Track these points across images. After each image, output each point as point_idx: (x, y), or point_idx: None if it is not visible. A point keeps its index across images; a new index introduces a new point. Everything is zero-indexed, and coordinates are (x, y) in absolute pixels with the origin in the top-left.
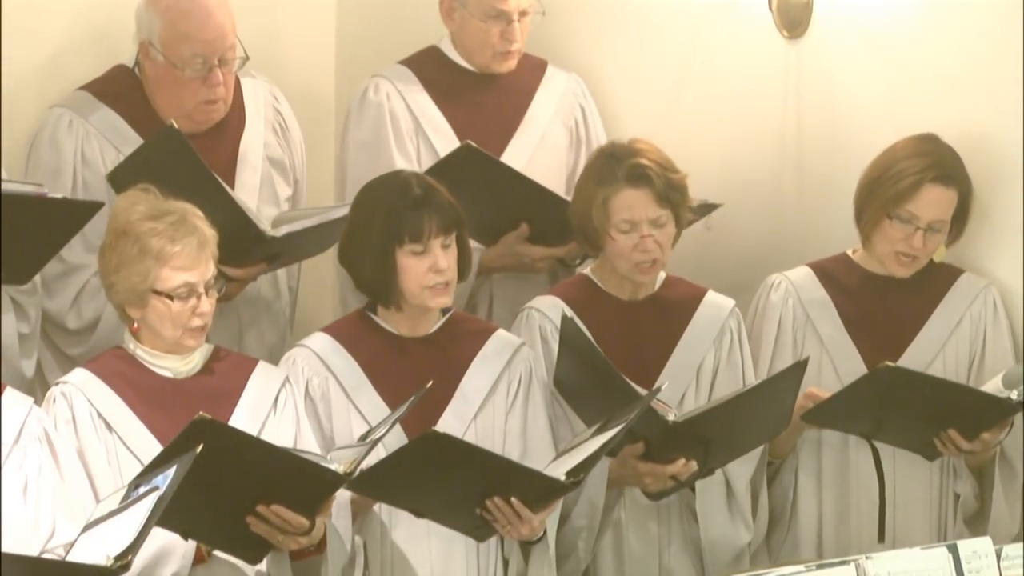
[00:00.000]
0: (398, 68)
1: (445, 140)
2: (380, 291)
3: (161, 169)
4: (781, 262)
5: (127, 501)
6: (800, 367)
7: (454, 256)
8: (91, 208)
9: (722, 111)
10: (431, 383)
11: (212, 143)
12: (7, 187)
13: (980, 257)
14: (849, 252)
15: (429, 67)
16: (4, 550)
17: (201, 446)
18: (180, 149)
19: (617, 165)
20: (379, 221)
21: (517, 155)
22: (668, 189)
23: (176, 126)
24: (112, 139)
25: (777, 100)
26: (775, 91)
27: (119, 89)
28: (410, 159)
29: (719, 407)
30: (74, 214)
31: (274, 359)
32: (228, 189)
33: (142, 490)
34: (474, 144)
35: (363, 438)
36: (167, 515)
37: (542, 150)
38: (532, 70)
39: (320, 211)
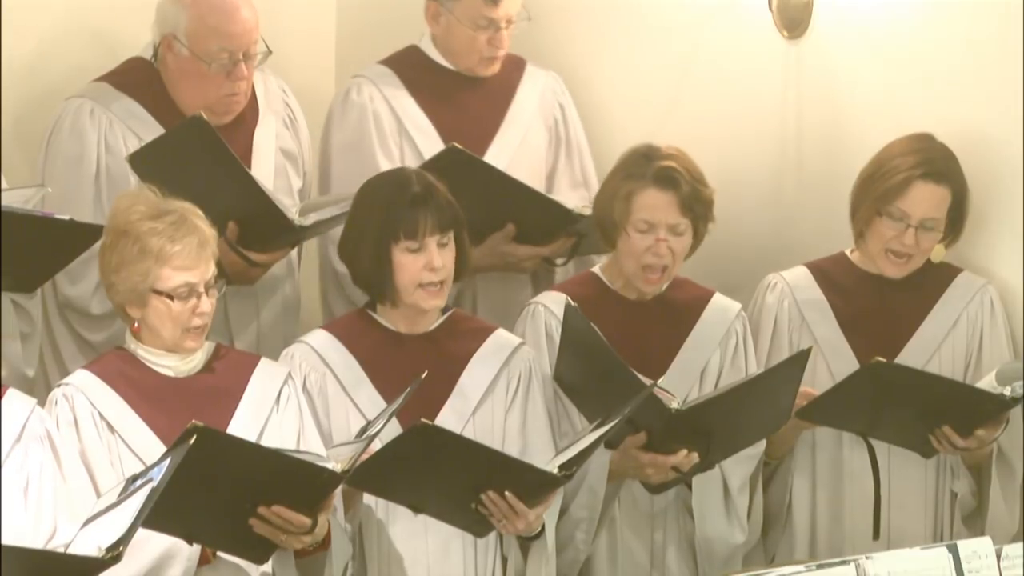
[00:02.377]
0: (379, 68)
1: (429, 140)
2: (376, 287)
3: (184, 158)
4: (781, 261)
5: (123, 495)
6: (802, 357)
7: (451, 255)
8: (97, 231)
9: (722, 111)
10: (426, 373)
11: (228, 135)
12: (11, 198)
13: (979, 256)
14: (847, 252)
15: (410, 67)
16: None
17: (195, 438)
18: (208, 139)
19: (648, 164)
20: (377, 217)
21: (500, 154)
22: (693, 200)
23: (204, 117)
24: (134, 127)
25: (777, 100)
26: (775, 91)
27: (138, 80)
28: (393, 160)
29: (721, 396)
30: (80, 236)
31: (288, 340)
32: (256, 178)
33: (139, 483)
34: (460, 146)
35: (361, 432)
36: (170, 520)
37: (523, 149)
38: (512, 69)
39: (345, 197)
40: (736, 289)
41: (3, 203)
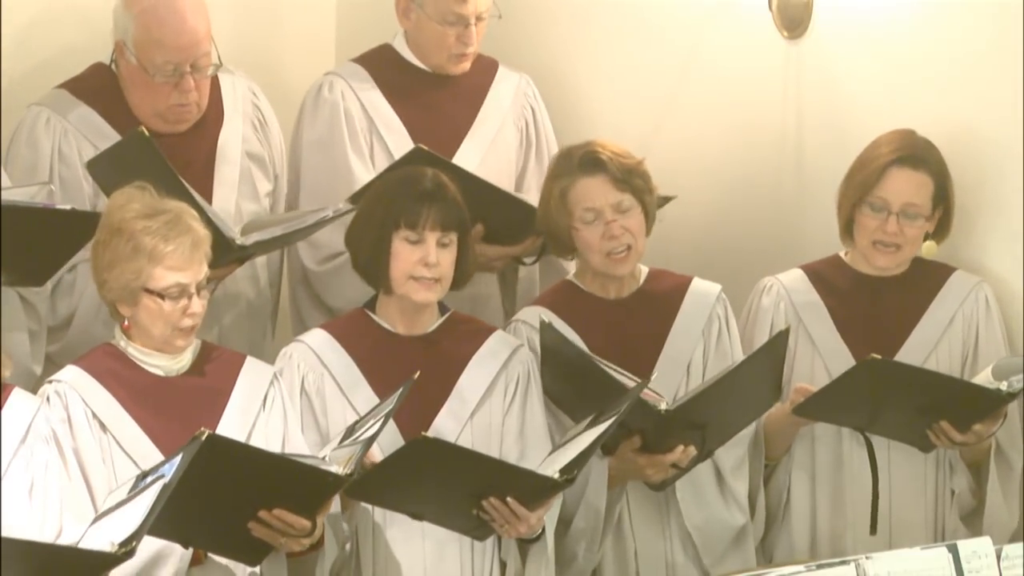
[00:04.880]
0: (351, 66)
1: (399, 139)
2: (371, 272)
3: (132, 169)
4: (780, 262)
5: (134, 491)
6: (782, 337)
7: (449, 257)
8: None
9: (722, 111)
10: (418, 374)
11: (190, 140)
12: (13, 195)
13: (973, 254)
14: (841, 254)
15: (382, 65)
16: (10, 535)
17: (205, 437)
18: (148, 154)
19: (570, 157)
20: (383, 205)
21: (470, 154)
22: (624, 173)
23: (146, 132)
24: (90, 136)
25: (777, 100)
26: (775, 91)
27: (97, 87)
28: (364, 158)
29: (708, 390)
30: (83, 224)
31: (255, 355)
32: (197, 196)
33: (149, 480)
34: (425, 147)
35: (350, 430)
36: (168, 526)
37: (493, 150)
38: (484, 70)
39: (291, 217)
40: (736, 289)
41: (4, 196)
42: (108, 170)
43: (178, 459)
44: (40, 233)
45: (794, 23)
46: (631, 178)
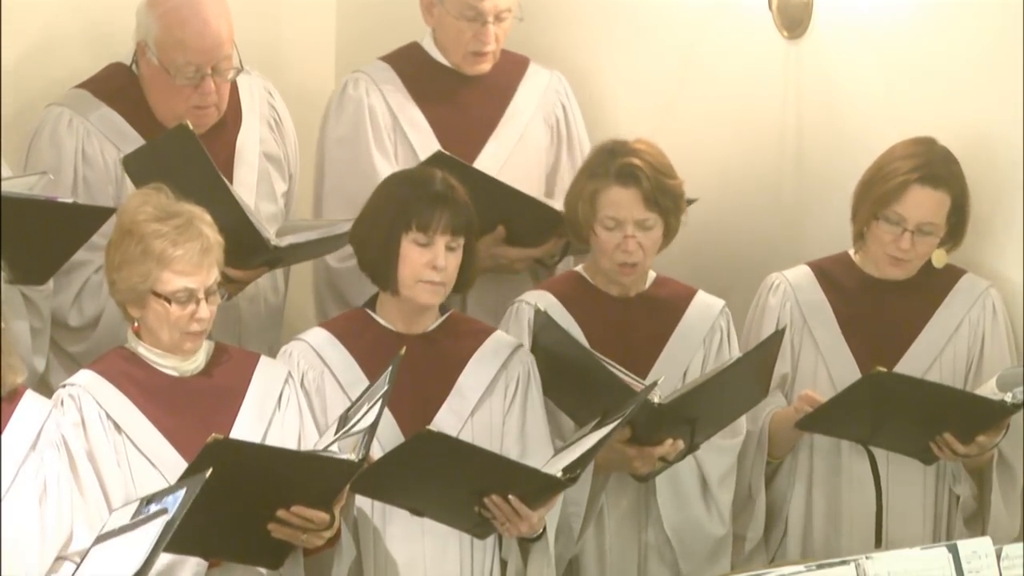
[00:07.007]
0: (378, 64)
1: (423, 138)
2: (379, 273)
3: (171, 165)
4: (780, 262)
5: (137, 518)
6: (778, 336)
7: (456, 261)
8: (102, 213)
9: (722, 111)
10: (404, 349)
11: (209, 141)
12: (14, 186)
13: (984, 258)
14: (850, 252)
15: (409, 64)
16: (13, 556)
17: (210, 471)
18: (192, 150)
19: (611, 161)
20: (394, 206)
21: (496, 152)
22: (658, 193)
23: (190, 126)
24: (112, 137)
25: (777, 100)
26: (775, 91)
27: (117, 88)
28: (388, 156)
29: (703, 385)
30: (85, 219)
31: (273, 355)
32: (236, 194)
33: (152, 508)
34: (445, 151)
35: (344, 418)
36: (186, 542)
37: (521, 148)
38: (513, 67)
39: (325, 224)
40: (734, 289)
41: (4, 189)
42: (146, 167)
43: (182, 493)
44: (41, 228)
45: (794, 23)
46: (662, 198)
